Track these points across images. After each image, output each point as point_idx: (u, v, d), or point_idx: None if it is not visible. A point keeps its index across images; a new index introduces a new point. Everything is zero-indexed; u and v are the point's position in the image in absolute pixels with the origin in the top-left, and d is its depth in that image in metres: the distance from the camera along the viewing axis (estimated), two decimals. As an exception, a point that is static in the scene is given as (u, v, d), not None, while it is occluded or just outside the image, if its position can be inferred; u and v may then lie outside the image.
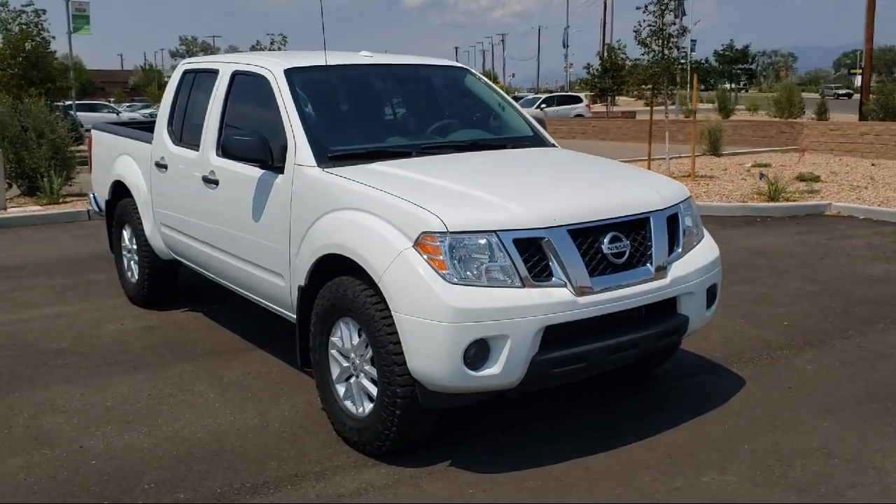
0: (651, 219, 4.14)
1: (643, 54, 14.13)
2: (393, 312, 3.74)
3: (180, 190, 5.78)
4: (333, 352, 4.22)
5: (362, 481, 3.84)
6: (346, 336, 4.12)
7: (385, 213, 3.89)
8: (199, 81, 5.85)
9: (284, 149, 4.60)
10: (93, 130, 7.61)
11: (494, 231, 3.73)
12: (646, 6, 13.68)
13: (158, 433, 4.38)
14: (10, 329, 6.27)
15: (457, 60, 7.21)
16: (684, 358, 5.29)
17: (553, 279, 3.79)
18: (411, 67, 5.67)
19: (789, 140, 21.81)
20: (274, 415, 4.60)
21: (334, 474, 3.91)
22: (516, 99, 34.72)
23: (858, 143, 19.54)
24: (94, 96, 56.07)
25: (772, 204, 11.19)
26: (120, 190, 6.84)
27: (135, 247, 6.67)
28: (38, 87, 18.61)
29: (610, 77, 35.94)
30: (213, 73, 5.59)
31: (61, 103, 22.34)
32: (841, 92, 69.00)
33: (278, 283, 4.70)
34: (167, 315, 6.56)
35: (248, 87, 5.19)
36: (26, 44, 19.31)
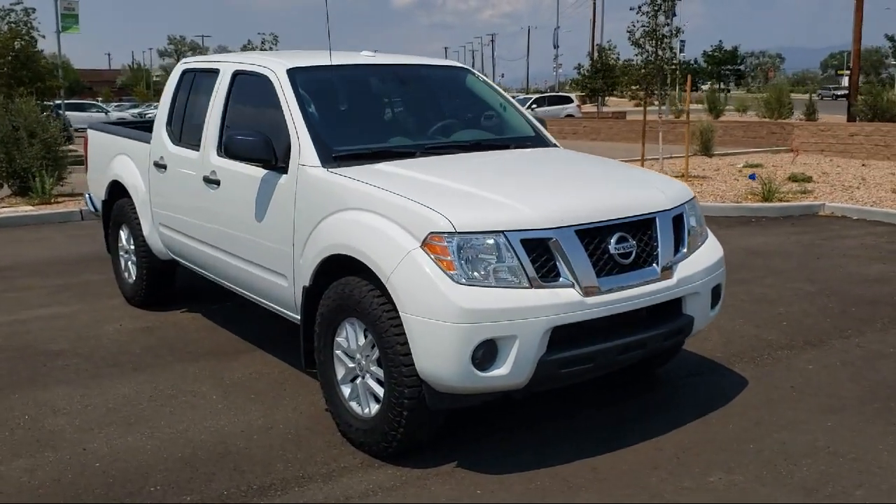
0: (657, 219, 4.14)
1: (637, 55, 14.17)
2: (401, 313, 3.73)
3: (180, 190, 5.74)
4: (339, 352, 4.21)
5: (370, 482, 3.83)
6: (351, 337, 4.10)
7: (392, 213, 3.88)
8: (198, 81, 5.82)
9: (288, 149, 4.58)
10: (89, 130, 7.56)
11: (502, 231, 3.72)
12: (640, 7, 13.73)
13: (162, 435, 4.36)
14: (7, 330, 6.22)
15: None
16: (686, 358, 5.30)
17: (560, 279, 3.79)
18: (413, 67, 5.65)
19: (780, 140, 21.91)
20: (278, 416, 4.58)
21: (341, 475, 3.90)
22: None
23: (848, 144, 19.65)
24: (82, 96, 55.75)
25: (766, 204, 11.24)
26: (117, 190, 6.79)
27: (132, 247, 6.63)
28: (28, 86, 18.50)
29: (601, 78, 36.02)
30: (214, 73, 5.56)
31: (51, 103, 22.21)
32: (839, 93, 69.08)
33: (281, 284, 4.67)
34: (165, 316, 6.52)
35: (250, 87, 5.17)
36: (15, 43, 19.20)
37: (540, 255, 3.77)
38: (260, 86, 5.00)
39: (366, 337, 4.01)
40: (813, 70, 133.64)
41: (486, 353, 3.64)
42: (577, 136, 27.81)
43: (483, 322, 3.60)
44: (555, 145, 5.41)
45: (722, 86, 56.83)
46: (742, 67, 64.86)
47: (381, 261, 3.82)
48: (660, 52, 13.75)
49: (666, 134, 17.05)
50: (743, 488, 3.73)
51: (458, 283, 3.64)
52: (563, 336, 3.77)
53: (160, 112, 6.14)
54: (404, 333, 3.73)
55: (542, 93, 54.12)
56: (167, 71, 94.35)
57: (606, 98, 44.64)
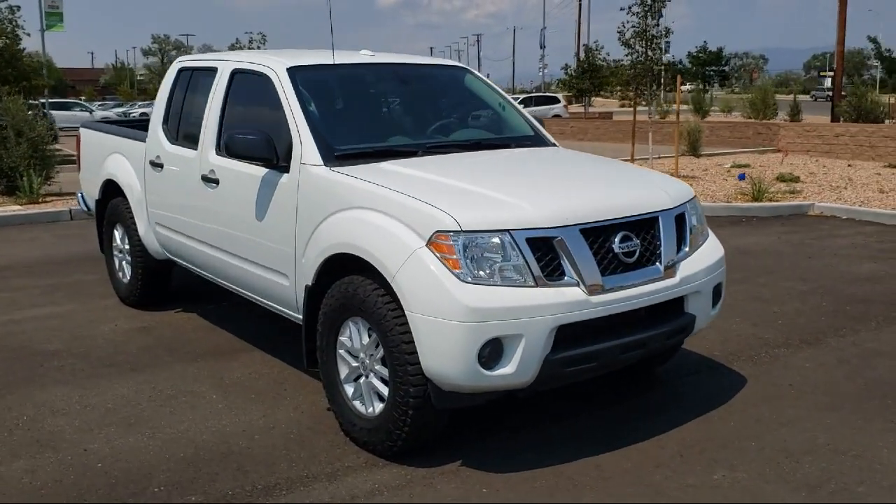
0: (660, 218, 4.16)
1: (627, 55, 14.22)
2: (406, 312, 3.73)
3: (177, 189, 5.71)
4: (342, 351, 4.20)
5: (375, 482, 3.82)
6: (355, 336, 4.09)
7: (397, 212, 3.88)
8: (195, 79, 5.79)
9: (288, 148, 4.57)
10: (81, 129, 7.51)
11: (508, 230, 3.73)
12: (630, 7, 13.78)
13: (163, 435, 4.33)
14: (2, 330, 6.17)
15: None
16: (685, 357, 5.32)
17: (565, 278, 3.80)
18: (412, 67, 5.65)
19: (766, 141, 22.05)
20: (279, 415, 4.57)
21: (346, 475, 3.89)
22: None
23: (834, 145, 19.79)
24: (66, 94, 55.30)
25: (756, 204, 11.31)
26: (111, 189, 6.75)
27: (127, 247, 6.59)
28: (13, 85, 18.35)
29: (588, 78, 36.12)
30: (211, 72, 5.53)
31: (37, 102, 22.05)
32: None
33: (282, 283, 4.66)
34: (161, 316, 6.49)
35: (249, 85, 5.15)
36: None
37: (545, 254, 3.78)
38: (259, 85, 4.99)
39: (370, 336, 4.01)
40: (796, 71, 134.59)
41: (492, 352, 3.64)
42: (564, 136, 27.87)
43: (489, 321, 3.60)
44: (554, 145, 5.43)
45: (706, 87, 57.10)
46: (727, 68, 65.18)
47: (386, 260, 3.81)
48: (650, 53, 13.80)
49: (653, 134, 17.13)
50: (747, 485, 3.75)
51: (464, 281, 3.64)
52: (567, 335, 3.78)
53: (156, 110, 6.10)
54: (410, 332, 3.73)
55: (528, 93, 54.21)
56: (151, 70, 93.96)
57: (592, 98, 44.77)
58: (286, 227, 4.54)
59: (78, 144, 7.45)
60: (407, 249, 3.75)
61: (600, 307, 3.83)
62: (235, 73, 5.28)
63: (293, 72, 4.86)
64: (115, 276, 6.91)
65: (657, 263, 4.10)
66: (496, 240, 3.71)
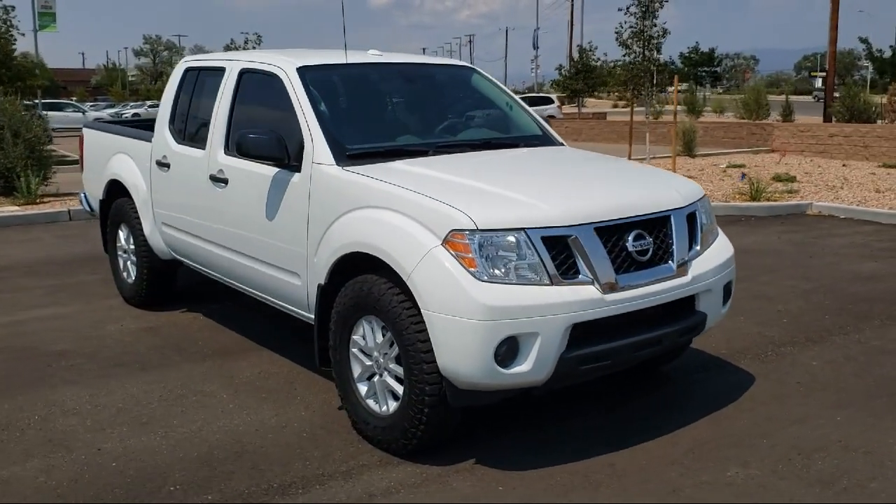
0: (672, 217, 4.19)
1: (624, 55, 14.26)
2: (422, 310, 3.74)
3: (184, 189, 5.71)
4: (355, 350, 4.21)
5: (391, 480, 3.83)
6: (368, 334, 4.10)
7: (412, 211, 3.89)
8: (202, 79, 5.79)
9: (299, 147, 4.57)
10: (84, 129, 7.49)
11: (523, 229, 3.75)
12: (627, 8, 13.82)
13: (176, 434, 4.33)
14: (7, 331, 6.15)
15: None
16: (693, 355, 5.35)
17: (580, 277, 3.82)
18: (420, 66, 5.67)
19: (759, 141, 22.14)
20: (291, 414, 4.57)
21: (361, 473, 3.90)
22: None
23: (828, 144, 19.88)
24: (58, 95, 55.09)
25: (754, 203, 11.36)
26: (115, 189, 6.74)
27: (132, 247, 6.58)
28: (7, 85, 18.29)
29: (582, 79, 36.16)
30: (219, 71, 5.53)
31: (31, 102, 21.97)
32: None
33: (293, 283, 4.66)
34: (167, 316, 6.48)
35: (258, 85, 5.15)
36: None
37: (560, 253, 3.80)
38: (269, 84, 4.99)
39: (384, 335, 4.02)
40: (787, 71, 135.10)
41: (508, 350, 3.66)
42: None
43: (506, 319, 3.62)
44: (561, 144, 5.45)
45: (697, 87, 57.31)
46: (718, 69, 65.46)
47: (401, 258, 3.82)
48: (647, 53, 13.85)
49: (648, 135, 17.19)
50: (761, 482, 3.78)
51: (480, 280, 3.66)
52: (582, 333, 3.79)
53: (162, 110, 6.10)
54: (425, 330, 3.74)
55: (521, 93, 54.26)
56: (143, 71, 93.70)
57: (585, 99, 44.82)
58: (297, 227, 4.54)
59: (81, 145, 7.43)
60: (422, 248, 3.76)
61: (614, 305, 3.86)
62: (244, 73, 5.28)
63: (303, 71, 4.87)
64: (119, 276, 6.90)
65: (670, 262, 4.13)
66: (512, 238, 3.73)
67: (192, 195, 5.60)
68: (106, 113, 43.09)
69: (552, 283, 3.74)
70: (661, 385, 5.00)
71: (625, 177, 4.73)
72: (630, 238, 3.97)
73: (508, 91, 5.81)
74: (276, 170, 4.69)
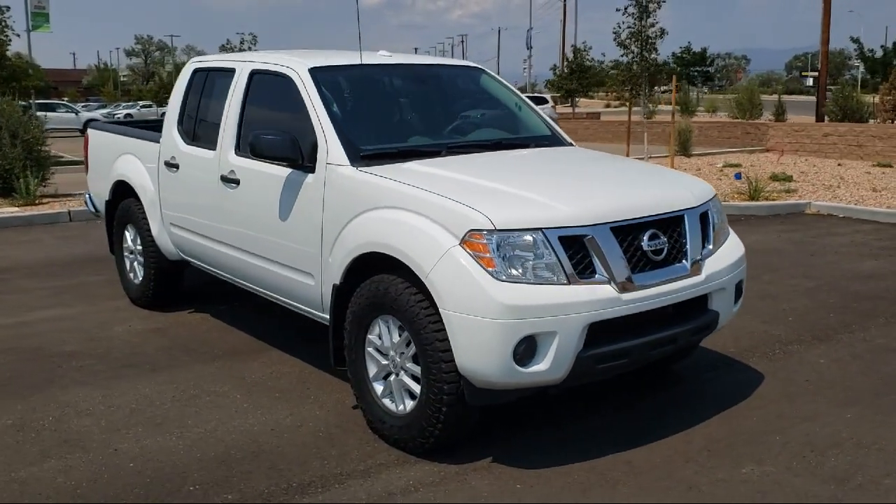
0: (686, 216, 4.22)
1: (622, 55, 14.31)
2: (441, 310, 3.76)
3: (194, 189, 5.72)
4: (370, 350, 4.23)
5: (409, 478, 3.85)
6: (384, 334, 4.12)
7: (430, 211, 3.91)
8: (211, 80, 5.80)
9: (312, 148, 4.59)
10: (89, 130, 7.49)
11: (540, 229, 3.77)
12: (625, 8, 13.87)
13: (191, 435, 4.34)
14: (14, 332, 6.15)
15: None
16: (702, 354, 5.39)
17: (597, 276, 3.85)
18: (430, 67, 5.69)
19: (754, 141, 22.25)
20: (305, 414, 4.59)
21: (379, 472, 3.92)
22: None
23: (822, 144, 19.99)
24: (49, 96, 54.88)
25: (753, 203, 11.42)
26: (121, 190, 6.73)
27: (139, 247, 6.58)
28: (3, 86, 18.22)
29: (576, 79, 36.25)
30: (228, 72, 5.54)
31: (25, 103, 21.89)
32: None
33: (307, 283, 4.68)
34: (174, 316, 6.48)
35: (269, 86, 5.16)
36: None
37: (576, 253, 3.83)
38: (280, 85, 5.00)
39: (400, 334, 4.04)
40: (778, 71, 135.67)
41: (526, 349, 3.69)
42: (553, 136, 27.89)
43: (524, 318, 3.65)
44: (570, 144, 5.48)
45: (690, 87, 57.49)
46: (711, 69, 65.63)
47: (419, 258, 3.85)
48: (645, 54, 13.90)
49: (641, 134, 17.25)
50: (776, 479, 3.81)
51: (498, 280, 3.69)
52: (599, 332, 3.82)
53: (170, 111, 6.10)
54: (444, 330, 3.77)
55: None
56: (134, 71, 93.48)
57: (578, 99, 44.95)
58: (311, 227, 4.56)
59: (86, 146, 7.42)
60: (441, 248, 3.79)
61: (631, 304, 3.89)
62: (254, 74, 5.29)
63: (315, 72, 4.88)
64: (125, 277, 6.90)
65: (684, 261, 4.17)
66: (529, 238, 3.76)
67: (201, 196, 5.61)
68: (99, 113, 42.96)
69: (569, 283, 3.77)
70: (672, 384, 5.03)
71: (637, 177, 4.77)
72: (645, 238, 4.01)
73: (517, 91, 5.84)
74: (290, 170, 4.70)
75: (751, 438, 4.23)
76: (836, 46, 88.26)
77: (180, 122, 5.97)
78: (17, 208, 11.72)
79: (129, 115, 46.22)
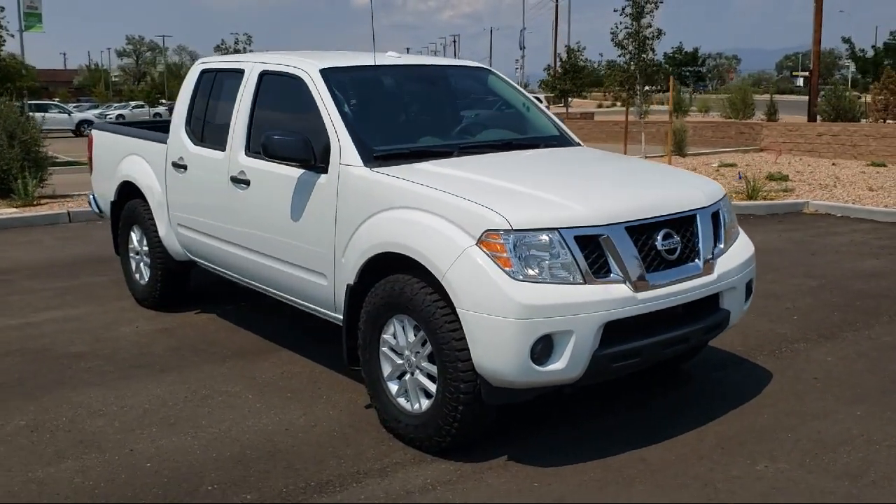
0: (698, 216, 4.26)
1: (619, 55, 14.37)
2: (458, 309, 3.78)
3: (203, 190, 5.72)
4: (385, 349, 4.24)
5: (426, 477, 3.87)
6: (399, 333, 4.14)
7: (445, 211, 3.93)
8: (220, 81, 5.80)
9: (325, 149, 4.60)
10: (94, 130, 7.48)
11: (556, 228, 3.80)
12: (623, 9, 13.92)
13: (206, 434, 4.35)
14: (21, 333, 6.14)
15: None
16: (711, 352, 5.42)
17: (612, 275, 3.88)
18: (438, 68, 5.72)
19: (748, 140, 22.35)
20: (318, 414, 4.60)
21: (396, 471, 3.94)
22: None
23: (816, 144, 20.09)
24: (41, 96, 54.67)
25: (752, 202, 11.48)
26: (127, 191, 6.73)
27: (145, 248, 6.58)
28: (-3, 87, 18.15)
29: (570, 79, 36.31)
30: (237, 73, 5.55)
31: (21, 104, 21.81)
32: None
33: (320, 283, 4.69)
34: (181, 317, 6.49)
35: (279, 87, 5.18)
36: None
37: (592, 252, 3.86)
38: (291, 86, 5.02)
39: (416, 333, 4.06)
40: (769, 71, 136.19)
41: (543, 348, 3.71)
42: (548, 136, 27.90)
43: (541, 318, 3.67)
44: (579, 144, 5.51)
45: (683, 87, 57.67)
46: (702, 69, 65.87)
47: (436, 258, 3.87)
48: (643, 55, 13.96)
49: (637, 135, 17.32)
50: (790, 476, 3.85)
51: (515, 279, 3.71)
52: (614, 331, 3.85)
53: (177, 112, 6.10)
54: (460, 329, 3.79)
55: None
56: (126, 71, 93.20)
57: (570, 99, 45.03)
58: (324, 228, 4.57)
59: (90, 146, 7.41)
60: (457, 248, 3.81)
61: (646, 303, 3.92)
62: (264, 75, 5.30)
63: (326, 73, 4.90)
64: (131, 277, 6.89)
65: (696, 260, 4.20)
66: (545, 238, 3.78)
67: (211, 196, 5.61)
68: (91, 114, 42.82)
69: (585, 282, 3.80)
70: (682, 382, 5.07)
71: (649, 177, 4.80)
72: (659, 237, 4.04)
73: (524, 92, 5.87)
74: (301, 171, 4.72)
75: (762, 436, 4.27)
76: (826, 46, 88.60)
77: (188, 122, 5.97)
78: (16, 209, 11.69)
79: (121, 115, 46.12)
